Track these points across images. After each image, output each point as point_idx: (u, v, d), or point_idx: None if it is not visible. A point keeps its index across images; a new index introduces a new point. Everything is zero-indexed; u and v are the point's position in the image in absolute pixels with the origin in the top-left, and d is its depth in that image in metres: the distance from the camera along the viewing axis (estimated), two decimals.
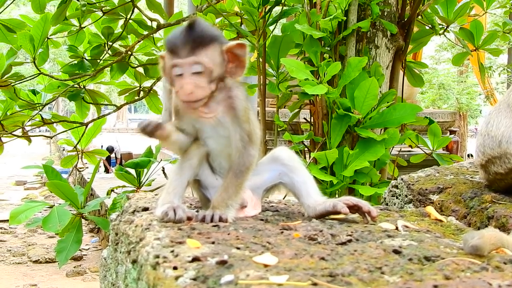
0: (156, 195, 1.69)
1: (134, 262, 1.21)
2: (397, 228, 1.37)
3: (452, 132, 12.39)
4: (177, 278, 0.96)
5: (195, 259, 1.03)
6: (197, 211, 1.48)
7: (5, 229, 9.10)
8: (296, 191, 1.49)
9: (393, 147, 3.15)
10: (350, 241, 1.22)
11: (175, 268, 1.00)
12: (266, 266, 1.01)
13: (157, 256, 1.07)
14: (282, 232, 1.27)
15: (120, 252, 1.39)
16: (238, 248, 1.11)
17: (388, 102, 2.92)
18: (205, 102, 1.37)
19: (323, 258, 1.07)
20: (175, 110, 1.46)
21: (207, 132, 1.44)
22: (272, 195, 1.59)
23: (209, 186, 1.48)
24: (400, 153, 3.71)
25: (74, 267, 7.06)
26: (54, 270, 6.95)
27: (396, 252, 1.13)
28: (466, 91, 18.98)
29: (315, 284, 0.92)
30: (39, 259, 7.38)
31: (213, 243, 1.15)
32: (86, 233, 8.03)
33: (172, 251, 1.09)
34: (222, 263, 1.00)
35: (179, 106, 1.44)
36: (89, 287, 6.30)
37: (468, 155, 15.45)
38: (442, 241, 1.26)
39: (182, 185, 1.43)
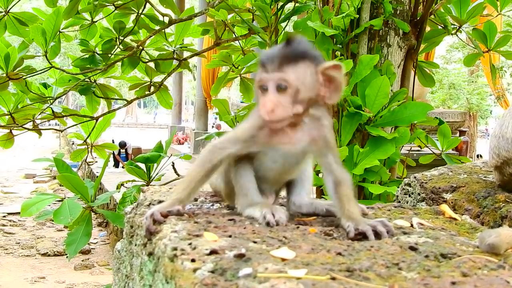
0: (170, 189, 1.70)
1: (150, 254, 1.21)
2: (412, 226, 1.37)
3: (461, 132, 12.34)
4: (195, 270, 0.97)
5: (213, 252, 1.04)
6: None
7: (14, 221, 9.18)
8: None
9: (403, 146, 3.14)
10: None
11: (193, 260, 1.01)
12: (284, 260, 1.01)
13: (175, 249, 1.08)
14: (298, 227, 1.27)
15: (136, 245, 1.40)
16: (255, 242, 1.12)
17: (399, 101, 2.91)
18: (293, 128, 1.29)
19: (340, 253, 1.08)
20: (252, 129, 1.32)
21: (274, 157, 1.34)
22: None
23: None
24: (410, 152, 3.70)
25: (82, 260, 7.11)
26: (62, 263, 7.01)
27: (412, 248, 1.13)
28: (476, 91, 18.87)
29: (333, 278, 0.92)
30: (47, 252, 7.44)
31: (230, 236, 1.15)
32: (94, 227, 8.08)
33: (190, 244, 1.09)
34: (240, 256, 1.01)
35: (260, 126, 1.30)
36: (97, 281, 6.34)
37: (478, 156, 15.37)
38: (457, 239, 1.26)
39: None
